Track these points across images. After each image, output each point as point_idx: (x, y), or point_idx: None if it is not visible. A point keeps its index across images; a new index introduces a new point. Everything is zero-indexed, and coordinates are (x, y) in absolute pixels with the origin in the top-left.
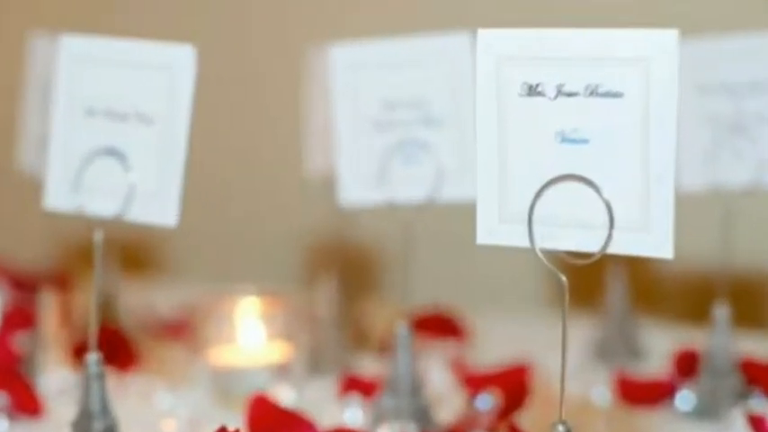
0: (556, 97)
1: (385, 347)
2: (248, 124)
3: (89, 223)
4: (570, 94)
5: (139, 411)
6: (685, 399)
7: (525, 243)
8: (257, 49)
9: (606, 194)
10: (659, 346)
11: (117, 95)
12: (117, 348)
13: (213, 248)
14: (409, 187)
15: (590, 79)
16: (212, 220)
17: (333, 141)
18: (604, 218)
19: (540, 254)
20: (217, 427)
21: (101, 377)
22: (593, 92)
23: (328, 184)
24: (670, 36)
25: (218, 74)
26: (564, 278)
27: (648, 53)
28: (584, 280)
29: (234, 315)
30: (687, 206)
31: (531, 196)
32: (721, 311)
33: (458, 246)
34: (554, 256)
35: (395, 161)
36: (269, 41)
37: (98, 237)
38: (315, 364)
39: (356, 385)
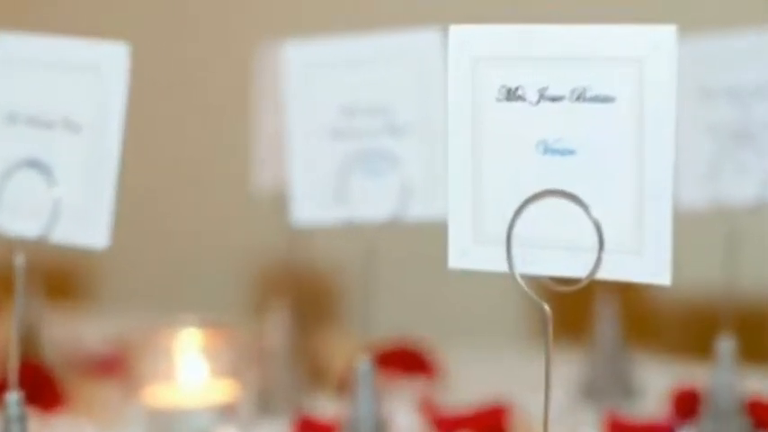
0: (538, 102)
1: (344, 386)
2: (189, 132)
3: (8, 245)
4: (554, 99)
5: None
6: None
7: (503, 267)
8: (199, 47)
9: (595, 213)
10: (655, 384)
11: (40, 100)
12: (40, 386)
13: (149, 274)
14: (371, 204)
15: (577, 82)
16: (148, 241)
17: (285, 152)
18: (593, 239)
19: (519, 279)
20: None
21: (22, 419)
22: (580, 96)
23: (279, 201)
24: (667, 33)
25: (155, 75)
26: (547, 307)
27: (643, 52)
28: (571, 309)
29: (172, 349)
30: (686, 226)
31: (510, 214)
32: (725, 345)
33: (427, 270)
34: (536, 282)
35: (355, 174)
36: (212, 38)
37: (19, 261)
38: (264, 404)
39: (311, 428)
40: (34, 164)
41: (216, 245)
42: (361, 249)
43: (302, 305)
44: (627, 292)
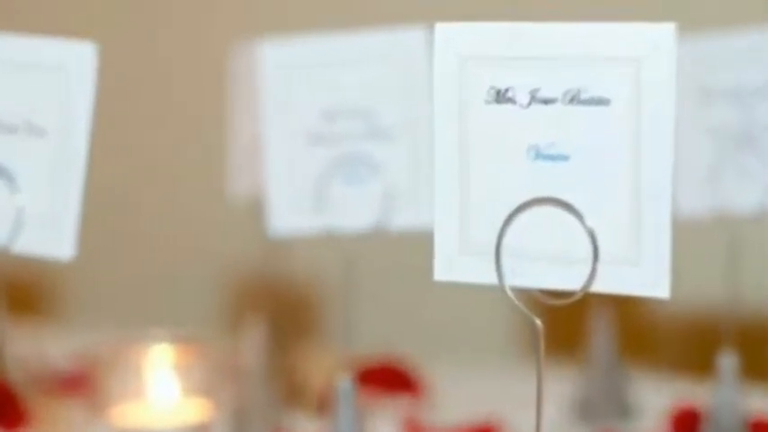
0: (529, 104)
1: (324, 405)
2: (160, 137)
3: None
4: (546, 101)
5: None
6: None
7: (492, 279)
8: (171, 46)
9: (589, 222)
10: (653, 403)
11: (1, 103)
12: (3, 405)
13: (117, 286)
14: (353, 213)
15: (570, 83)
16: (116, 251)
17: (262, 157)
18: (587, 249)
19: (509, 292)
20: None
21: None
22: (573, 98)
23: (256, 209)
24: (666, 31)
25: (124, 76)
26: (539, 321)
27: (640, 52)
28: (564, 323)
29: (142, 366)
30: (686, 235)
31: (500, 224)
32: (727, 361)
33: (411, 282)
34: (527, 295)
35: (336, 181)
36: (185, 36)
37: None
38: (240, 424)
39: None
40: None
41: (189, 255)
42: (341, 260)
43: (280, 319)
44: (623, 306)
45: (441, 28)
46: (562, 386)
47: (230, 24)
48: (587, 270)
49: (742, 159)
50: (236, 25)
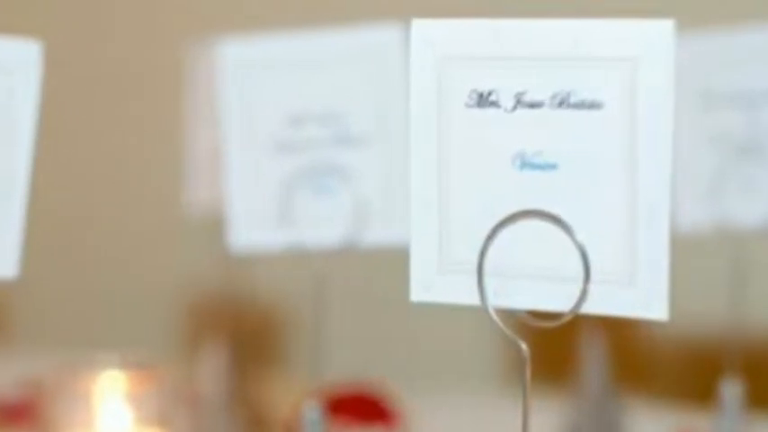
0: (514, 109)
1: None
2: (111, 145)
3: None
4: (533, 105)
5: None
6: None
7: (474, 300)
8: (123, 46)
9: (581, 237)
10: None
11: None
12: None
13: (65, 307)
14: (321, 227)
15: (559, 85)
16: (63, 270)
17: (221, 166)
18: (578, 267)
19: (493, 314)
20: None
21: None
22: (562, 102)
23: (215, 223)
24: (663, 29)
25: (72, 78)
26: (525, 346)
27: (636, 51)
28: (552, 348)
29: (92, 393)
30: (686, 252)
31: (482, 239)
32: (730, 390)
33: (385, 304)
34: (512, 316)
35: (302, 192)
36: (138, 35)
37: None
38: None
39: None
40: None
41: (142, 273)
42: (309, 278)
43: (241, 343)
44: (617, 329)
45: (418, 25)
46: (550, 416)
47: (186, 21)
48: (577, 290)
49: (747, 169)
50: (192, 22)
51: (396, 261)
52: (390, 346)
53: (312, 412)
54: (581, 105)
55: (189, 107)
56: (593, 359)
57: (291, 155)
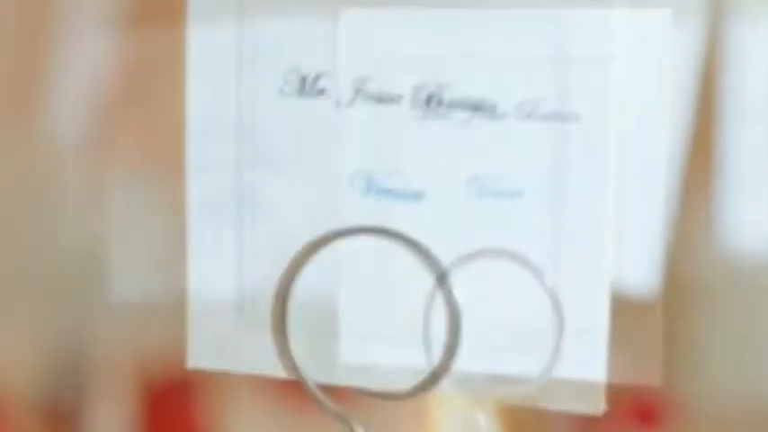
0: (469, 121)
1: None
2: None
3: None
4: (493, 117)
5: None
6: None
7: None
8: None
9: (551, 281)
10: None
11: None
12: None
13: None
14: None
15: (526, 92)
16: None
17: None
18: (548, 318)
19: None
20: None
21: None
22: (530, 113)
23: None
24: (658, 20)
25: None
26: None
27: (622, 48)
28: None
29: None
30: None
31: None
32: None
33: None
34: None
35: None
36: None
37: None
38: None
39: None
40: None
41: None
42: None
43: None
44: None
45: (348, 16)
46: None
47: None
48: (548, 348)
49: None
50: None
51: None
52: None
53: None
54: (552, 117)
55: None
56: None
57: None
